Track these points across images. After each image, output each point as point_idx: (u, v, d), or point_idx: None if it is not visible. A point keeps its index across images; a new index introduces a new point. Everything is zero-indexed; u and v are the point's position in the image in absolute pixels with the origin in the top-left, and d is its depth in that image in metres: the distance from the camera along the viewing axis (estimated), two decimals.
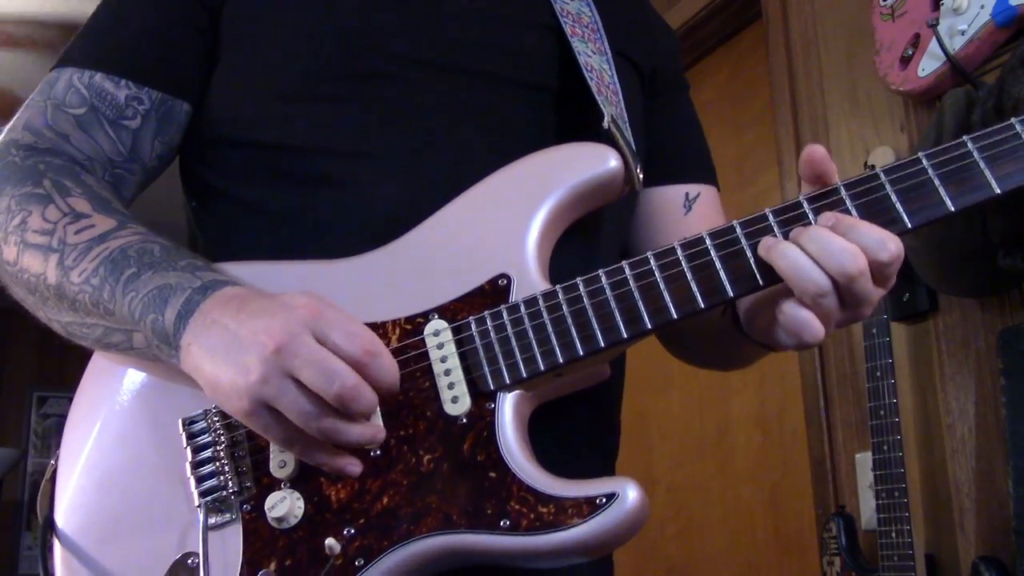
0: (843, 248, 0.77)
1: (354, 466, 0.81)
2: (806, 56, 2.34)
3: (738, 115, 2.72)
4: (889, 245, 0.77)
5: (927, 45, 1.85)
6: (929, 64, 1.85)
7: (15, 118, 0.99)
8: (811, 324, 0.79)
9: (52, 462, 0.95)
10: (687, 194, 1.13)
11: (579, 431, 0.97)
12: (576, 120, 1.01)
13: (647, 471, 2.86)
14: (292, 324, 0.76)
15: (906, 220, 0.79)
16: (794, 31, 2.39)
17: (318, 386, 0.75)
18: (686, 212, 1.13)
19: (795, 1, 2.40)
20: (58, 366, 5.62)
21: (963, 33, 1.77)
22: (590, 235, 0.98)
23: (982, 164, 0.78)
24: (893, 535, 1.74)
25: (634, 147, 0.98)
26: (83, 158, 0.97)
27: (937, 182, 0.79)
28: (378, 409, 0.84)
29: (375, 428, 0.80)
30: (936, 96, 1.87)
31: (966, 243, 1.66)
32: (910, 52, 1.90)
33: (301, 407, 0.76)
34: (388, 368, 0.79)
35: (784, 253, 0.78)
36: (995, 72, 1.72)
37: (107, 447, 0.91)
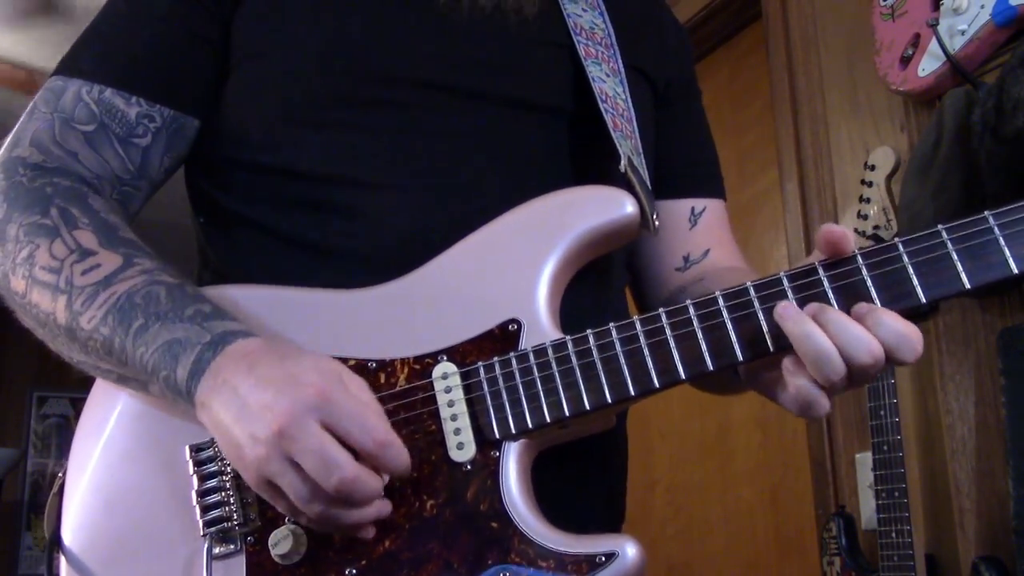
0: (861, 339, 0.76)
1: (365, 532, 0.81)
2: (806, 56, 2.34)
3: (738, 115, 2.72)
4: (917, 347, 0.77)
5: (927, 45, 1.85)
6: (929, 64, 1.85)
7: (19, 127, 0.96)
8: (821, 403, 0.79)
9: (60, 475, 0.94)
10: (693, 208, 1.13)
11: (583, 473, 0.96)
12: (590, 144, 0.99)
13: (647, 471, 2.86)
14: (298, 406, 0.76)
15: (920, 295, 0.78)
16: (794, 31, 2.39)
17: (316, 475, 0.75)
18: (691, 227, 1.12)
19: (795, 1, 2.40)
20: (58, 366, 5.58)
21: (963, 33, 1.77)
22: (602, 263, 0.96)
23: (1001, 242, 0.77)
24: (893, 535, 1.74)
25: (649, 184, 0.96)
26: (91, 176, 0.95)
27: (955, 257, 0.78)
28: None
29: (377, 508, 0.80)
30: (936, 96, 1.86)
31: None
32: (910, 52, 1.89)
33: (298, 492, 0.77)
34: (398, 458, 0.79)
35: (808, 334, 0.77)
36: (995, 72, 1.72)
37: (113, 466, 0.91)
